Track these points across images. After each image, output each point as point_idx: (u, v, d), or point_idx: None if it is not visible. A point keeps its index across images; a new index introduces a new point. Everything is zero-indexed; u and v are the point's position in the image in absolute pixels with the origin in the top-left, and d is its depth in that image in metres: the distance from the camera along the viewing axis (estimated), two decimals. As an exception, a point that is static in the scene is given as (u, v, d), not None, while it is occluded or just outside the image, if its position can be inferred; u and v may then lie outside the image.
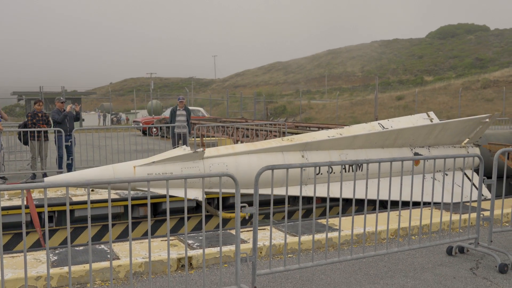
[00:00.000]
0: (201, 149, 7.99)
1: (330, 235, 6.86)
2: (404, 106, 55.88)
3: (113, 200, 9.80)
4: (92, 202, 9.63)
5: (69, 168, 12.84)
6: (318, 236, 6.76)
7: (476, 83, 58.94)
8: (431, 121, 10.10)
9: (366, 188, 5.42)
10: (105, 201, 9.72)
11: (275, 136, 15.96)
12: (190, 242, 6.68)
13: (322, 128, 18.51)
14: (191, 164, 7.95)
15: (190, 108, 30.10)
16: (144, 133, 27.99)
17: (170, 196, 10.07)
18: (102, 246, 6.54)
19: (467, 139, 10.33)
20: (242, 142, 18.48)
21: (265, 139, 16.64)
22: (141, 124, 28.81)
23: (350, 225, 6.72)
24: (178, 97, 15.04)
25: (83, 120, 58.37)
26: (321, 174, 8.67)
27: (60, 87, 36.13)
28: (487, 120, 10.16)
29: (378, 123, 9.84)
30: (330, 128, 18.50)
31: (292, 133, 15.44)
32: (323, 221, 7.85)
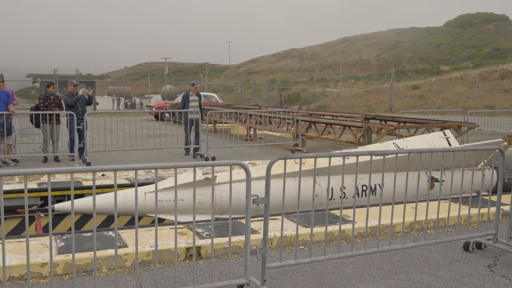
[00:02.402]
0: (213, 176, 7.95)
1: (343, 227, 6.68)
2: (420, 96, 55.27)
3: (124, 186, 9.70)
4: (102, 187, 9.55)
5: (81, 152, 12.76)
6: (330, 228, 6.59)
7: (494, 73, 58.04)
8: (448, 139, 9.82)
9: (383, 178, 5.23)
10: (118, 186, 9.60)
11: (289, 124, 15.77)
12: (199, 230, 6.54)
13: (337, 117, 18.27)
14: (202, 190, 7.89)
15: (204, 94, 29.97)
16: (156, 118, 27.94)
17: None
18: (110, 233, 6.43)
19: (482, 163, 10.04)
20: (255, 129, 18.31)
21: (278, 127, 16.47)
22: (154, 109, 28.71)
23: (364, 217, 6.55)
24: (192, 82, 14.85)
25: (97, 104, 58.64)
26: (334, 199, 8.53)
27: (74, 70, 36.07)
28: (505, 144, 9.91)
29: (393, 143, 9.57)
30: (344, 115, 18.27)
31: (306, 121, 15.22)
32: (336, 212, 7.68)
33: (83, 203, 7.56)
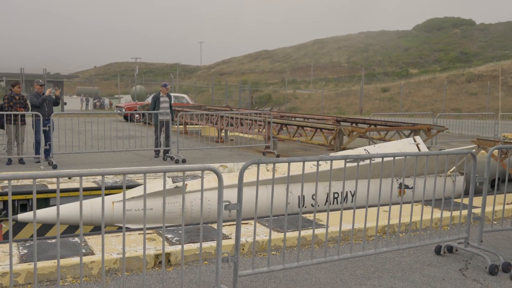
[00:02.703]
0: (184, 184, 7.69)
1: (316, 231, 6.60)
2: (389, 98, 55.96)
3: (91, 189, 9.45)
4: (68, 190, 9.28)
5: (47, 153, 12.42)
6: (303, 233, 6.49)
7: (461, 77, 59.18)
8: (417, 145, 9.92)
9: (356, 183, 5.16)
10: (83, 189, 9.33)
11: (260, 126, 15.68)
12: (169, 236, 6.37)
13: (308, 119, 18.26)
14: (172, 199, 7.63)
15: (174, 95, 29.69)
16: (126, 118, 27.52)
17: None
18: (76, 239, 6.20)
19: (453, 167, 10.10)
20: (226, 131, 18.16)
21: (249, 129, 16.36)
22: (123, 110, 28.32)
23: (337, 222, 6.49)
24: (163, 83, 14.62)
25: (65, 104, 57.56)
26: (305, 207, 8.43)
27: (42, 69, 35.29)
28: (474, 151, 10.01)
29: (364, 149, 9.60)
30: (315, 117, 18.28)
31: (277, 123, 15.15)
32: (309, 216, 7.60)
33: (47, 213, 7.26)
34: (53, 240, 6.14)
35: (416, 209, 7.63)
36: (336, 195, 8.61)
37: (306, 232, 6.48)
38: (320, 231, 6.54)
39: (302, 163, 4.60)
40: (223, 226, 6.94)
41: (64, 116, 18.13)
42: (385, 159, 5.26)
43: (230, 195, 7.39)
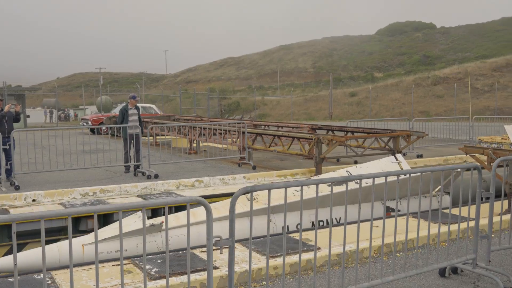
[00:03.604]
0: (159, 222, 6.92)
1: (304, 255, 6.05)
2: (358, 103, 56.12)
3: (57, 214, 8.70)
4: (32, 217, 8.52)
5: (8, 173, 11.58)
6: (290, 259, 5.92)
7: (427, 79, 59.82)
8: (399, 164, 9.67)
9: (346, 206, 4.66)
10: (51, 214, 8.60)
11: (234, 135, 15.11)
12: (147, 267, 5.74)
13: (283, 127, 17.78)
14: (148, 238, 6.88)
15: (142, 105, 28.86)
16: (92, 131, 26.57)
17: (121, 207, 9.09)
18: (41, 275, 5.51)
19: (438, 187, 9.76)
20: (197, 141, 17.53)
21: (223, 139, 15.76)
22: (89, 122, 27.36)
23: (327, 241, 5.98)
24: (131, 95, 13.92)
25: (28, 116, 55.87)
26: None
27: (1, 82, 33.96)
28: (459, 170, 9.70)
29: (346, 171, 9.28)
30: (290, 125, 17.83)
31: (252, 133, 14.61)
32: (295, 235, 7.07)
33: (5, 262, 6.38)
34: (18, 277, 5.44)
35: (403, 224, 7.18)
36: (321, 223, 8.12)
37: (293, 259, 5.90)
38: (308, 255, 5.98)
39: (283, 189, 4.07)
40: (202, 252, 6.34)
41: (26, 131, 17.18)
42: (372, 180, 4.75)
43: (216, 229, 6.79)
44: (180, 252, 6.28)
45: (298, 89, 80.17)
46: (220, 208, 7.32)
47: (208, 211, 3.46)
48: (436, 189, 9.43)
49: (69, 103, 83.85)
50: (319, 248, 6.43)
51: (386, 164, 9.52)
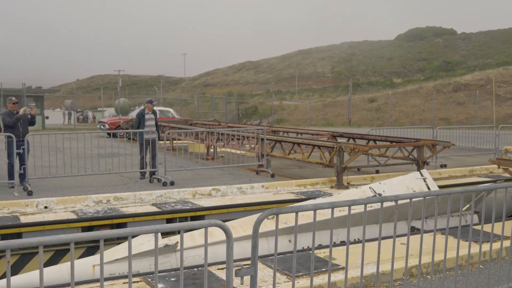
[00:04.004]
0: (174, 242, 6.54)
1: (333, 278, 5.64)
2: (377, 109, 55.41)
3: (70, 221, 8.40)
4: (44, 224, 8.23)
5: (22, 178, 11.35)
6: (317, 281, 5.52)
7: (448, 86, 58.87)
8: (425, 180, 9.23)
9: (381, 212, 4.24)
10: (61, 222, 8.33)
11: (252, 141, 14.74)
12: (160, 286, 5.38)
13: (302, 134, 17.36)
14: (162, 259, 6.53)
15: (159, 108, 28.64)
16: (109, 134, 26.41)
17: (135, 216, 8.76)
18: (48, 293, 5.19)
19: (467, 205, 9.27)
20: (215, 147, 17.19)
21: (241, 145, 15.39)
22: (107, 126, 27.21)
23: (354, 261, 5.57)
24: (148, 99, 13.62)
25: (47, 118, 56.23)
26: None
27: (21, 83, 34.06)
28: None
29: (370, 187, 8.84)
30: (310, 133, 17.40)
31: (271, 140, 14.21)
32: (321, 253, 6.65)
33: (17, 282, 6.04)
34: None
35: (430, 241, 6.73)
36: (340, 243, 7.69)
37: (321, 280, 5.48)
38: (337, 277, 5.57)
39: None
40: (218, 269, 5.97)
41: (41, 135, 16.94)
42: (409, 201, 4.34)
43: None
44: (196, 269, 5.91)
45: (316, 94, 79.63)
46: (237, 227, 6.92)
47: (229, 237, 3.09)
48: (465, 208, 8.92)
49: (88, 105, 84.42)
50: (342, 268, 6.02)
51: (411, 180, 9.11)
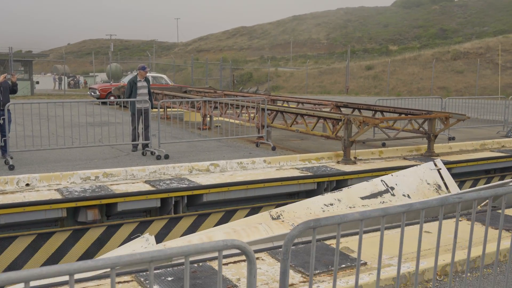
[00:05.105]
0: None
1: (349, 275, 4.86)
2: (374, 76, 54.36)
3: (53, 202, 7.56)
4: (25, 204, 7.38)
5: (3, 150, 10.46)
6: (340, 284, 4.72)
7: (446, 54, 57.73)
8: (439, 171, 8.52)
9: (422, 221, 3.43)
10: (43, 202, 7.48)
11: (252, 111, 13.84)
12: (155, 287, 4.57)
13: (303, 103, 16.47)
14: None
15: (152, 75, 27.55)
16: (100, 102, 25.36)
17: (126, 195, 7.93)
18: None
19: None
20: (211, 116, 16.30)
21: (238, 116, 14.50)
22: (97, 92, 26.15)
23: (372, 252, 4.79)
24: (141, 66, 12.62)
25: (37, 83, 54.83)
26: None
27: (7, 47, 32.70)
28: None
29: (381, 181, 8.09)
30: (312, 102, 16.49)
31: (273, 110, 13.32)
32: (331, 242, 5.85)
33: None
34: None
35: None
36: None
37: (347, 283, 4.66)
38: (363, 279, 4.77)
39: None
40: (225, 264, 5.18)
41: (22, 104, 15.93)
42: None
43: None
44: (196, 265, 5.11)
45: (311, 60, 78.28)
46: (240, 232, 6.05)
47: (251, 262, 2.27)
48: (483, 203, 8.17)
49: (80, 70, 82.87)
50: (363, 263, 5.25)
51: (425, 172, 8.43)
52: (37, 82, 55.83)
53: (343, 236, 6.05)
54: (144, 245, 5.75)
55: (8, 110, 10.47)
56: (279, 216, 7.03)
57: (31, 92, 35.93)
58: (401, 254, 3.08)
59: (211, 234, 5.81)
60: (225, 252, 4.52)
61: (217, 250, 2.19)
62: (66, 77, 50.54)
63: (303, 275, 4.92)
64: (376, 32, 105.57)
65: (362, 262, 5.27)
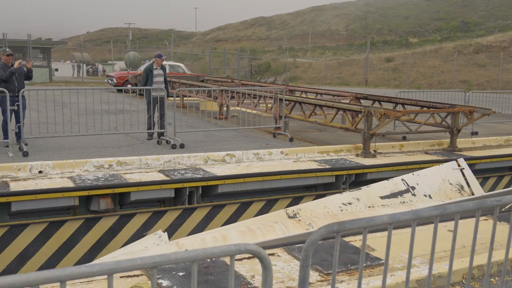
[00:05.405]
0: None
1: (369, 275, 4.62)
2: (394, 69, 53.61)
3: (65, 190, 7.40)
4: (37, 192, 7.23)
5: (18, 137, 10.36)
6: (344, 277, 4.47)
7: (468, 47, 56.70)
8: (462, 171, 8.18)
9: (456, 227, 3.16)
10: (55, 190, 7.33)
11: (269, 101, 13.59)
12: (164, 284, 4.37)
13: (322, 95, 16.18)
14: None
15: (170, 63, 27.40)
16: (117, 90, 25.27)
17: (140, 185, 7.76)
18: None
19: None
20: (228, 105, 16.08)
21: (255, 106, 14.27)
22: (114, 80, 26.06)
23: (397, 254, 4.54)
24: (157, 53, 12.43)
25: (57, 70, 55.03)
26: None
27: (26, 34, 32.76)
28: None
29: (402, 180, 7.80)
30: (331, 93, 16.19)
31: (291, 101, 13.05)
32: (356, 241, 5.60)
33: None
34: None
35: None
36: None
37: (367, 284, 4.41)
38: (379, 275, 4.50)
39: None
40: (236, 260, 4.97)
41: (37, 90, 15.84)
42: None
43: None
44: (208, 260, 4.90)
45: (330, 52, 77.57)
46: (255, 231, 5.82)
47: (267, 269, 2.03)
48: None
49: (98, 58, 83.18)
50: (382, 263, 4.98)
51: (447, 171, 8.12)
52: (56, 69, 56.09)
53: (361, 233, 5.79)
54: (157, 241, 5.56)
55: (23, 96, 10.34)
56: (295, 214, 6.79)
57: (50, 79, 36.01)
58: (432, 260, 2.83)
59: (225, 233, 5.58)
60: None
61: (228, 255, 1.96)
62: (84, 65, 50.66)
63: (321, 274, 4.68)
64: (396, 24, 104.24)
65: (382, 261, 5.01)
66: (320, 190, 9.53)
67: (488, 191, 11.64)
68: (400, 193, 7.54)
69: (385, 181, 7.82)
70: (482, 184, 11.28)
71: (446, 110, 11.54)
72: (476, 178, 9.37)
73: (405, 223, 5.04)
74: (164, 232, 5.93)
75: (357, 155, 10.68)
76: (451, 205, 2.62)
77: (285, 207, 8.98)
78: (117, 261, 1.78)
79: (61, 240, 7.36)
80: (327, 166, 9.54)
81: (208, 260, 4.90)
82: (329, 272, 4.69)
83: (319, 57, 65.95)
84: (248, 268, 4.75)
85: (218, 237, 5.42)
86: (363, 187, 7.64)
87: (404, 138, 12.89)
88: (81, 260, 7.45)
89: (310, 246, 2.13)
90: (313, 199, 9.35)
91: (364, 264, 4.94)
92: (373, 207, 7.10)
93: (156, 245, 5.48)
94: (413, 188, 7.72)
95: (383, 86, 47.01)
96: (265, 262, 2.02)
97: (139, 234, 7.79)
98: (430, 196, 7.72)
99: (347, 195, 7.27)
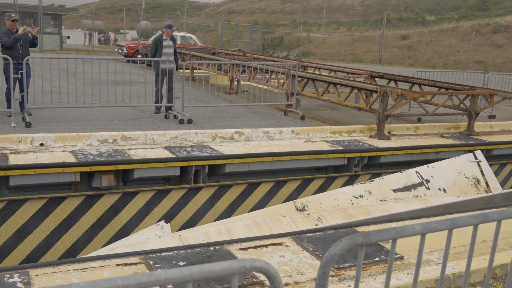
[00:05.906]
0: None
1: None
2: (409, 47, 52.66)
3: (66, 165, 7.11)
4: (36, 166, 6.95)
5: (21, 107, 10.06)
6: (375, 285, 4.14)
7: (486, 27, 55.43)
8: (479, 163, 7.77)
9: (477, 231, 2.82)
10: (55, 165, 7.04)
11: (282, 79, 13.17)
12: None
13: (336, 72, 15.70)
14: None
15: (182, 34, 26.92)
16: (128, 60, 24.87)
17: (144, 162, 7.45)
18: (17, 278, 3.91)
19: None
20: (239, 80, 15.68)
21: (267, 82, 13.88)
22: (124, 49, 25.65)
23: (411, 246, 4.21)
24: (167, 24, 12.01)
25: (68, 37, 54.55)
26: None
27: (36, 0, 32.23)
28: None
29: (416, 172, 7.43)
30: (345, 71, 15.69)
31: (304, 77, 12.61)
32: (364, 228, 5.27)
33: None
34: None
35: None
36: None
37: (382, 283, 4.10)
38: (400, 281, 4.18)
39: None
40: (241, 249, 4.66)
41: (42, 58, 15.50)
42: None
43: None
44: (212, 248, 4.60)
45: (344, 27, 76.34)
46: (262, 224, 5.49)
47: (274, 282, 1.70)
48: None
49: (111, 26, 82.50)
50: (400, 257, 4.67)
51: (463, 164, 7.74)
52: (68, 37, 55.61)
53: (373, 223, 5.46)
54: (159, 233, 5.26)
55: (27, 64, 9.99)
56: (304, 207, 6.46)
57: (60, 47, 35.64)
58: (468, 274, 2.48)
59: (230, 226, 5.27)
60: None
61: (230, 274, 1.63)
62: (96, 33, 50.18)
63: (332, 268, 4.36)
64: (413, 0, 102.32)
65: (398, 256, 4.69)
66: (331, 172, 9.19)
67: (504, 179, 11.26)
68: (414, 186, 7.21)
69: (399, 173, 7.49)
70: (498, 172, 10.88)
71: (465, 92, 11.07)
72: (492, 164, 8.99)
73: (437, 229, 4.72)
74: (167, 223, 5.62)
75: (370, 136, 10.29)
76: (493, 213, 2.28)
77: (294, 189, 8.68)
78: (93, 281, 1.46)
79: (60, 217, 7.10)
80: (339, 148, 9.18)
81: (211, 248, 4.60)
82: (341, 266, 4.38)
83: (334, 32, 64.90)
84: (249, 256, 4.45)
85: (222, 231, 5.11)
86: (375, 179, 7.30)
87: (419, 120, 12.47)
88: (81, 239, 7.20)
89: (328, 262, 1.80)
90: (324, 182, 9.03)
91: (378, 258, 4.62)
92: (385, 200, 6.77)
93: (158, 237, 5.19)
94: (428, 181, 7.39)
95: (397, 64, 46.19)
96: (275, 281, 1.69)
97: (142, 213, 7.52)
98: (444, 190, 7.38)
99: (359, 188, 6.94)
